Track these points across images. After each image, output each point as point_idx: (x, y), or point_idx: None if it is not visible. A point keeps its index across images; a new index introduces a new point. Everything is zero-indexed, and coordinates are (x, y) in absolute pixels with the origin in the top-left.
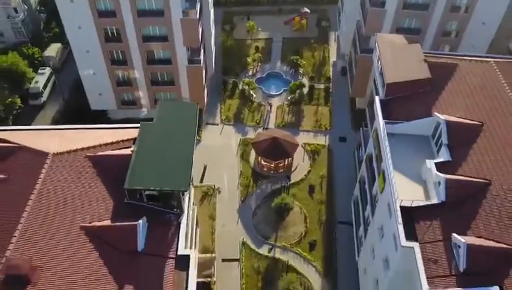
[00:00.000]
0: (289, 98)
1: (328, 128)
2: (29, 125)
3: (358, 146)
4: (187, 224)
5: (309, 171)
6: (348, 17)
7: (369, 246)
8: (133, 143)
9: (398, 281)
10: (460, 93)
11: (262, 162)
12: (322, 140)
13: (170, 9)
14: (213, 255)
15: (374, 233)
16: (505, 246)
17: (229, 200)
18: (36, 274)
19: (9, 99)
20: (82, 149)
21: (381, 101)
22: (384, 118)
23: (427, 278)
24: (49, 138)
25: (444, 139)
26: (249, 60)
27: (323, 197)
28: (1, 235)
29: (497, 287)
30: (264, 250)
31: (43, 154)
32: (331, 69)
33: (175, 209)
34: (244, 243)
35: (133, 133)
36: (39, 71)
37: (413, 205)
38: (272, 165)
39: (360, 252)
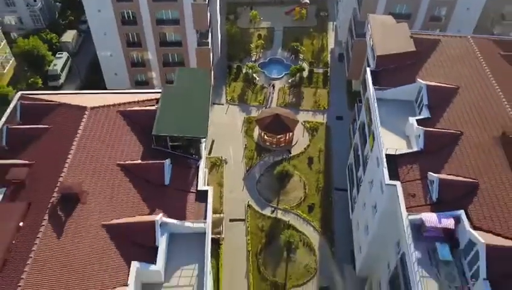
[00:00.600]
0: (290, 81)
1: (326, 108)
2: None
3: (353, 121)
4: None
5: (308, 146)
6: (345, 6)
7: (361, 201)
8: (156, 103)
9: (384, 222)
10: (441, 63)
11: (265, 136)
12: (321, 118)
13: None
14: (221, 215)
15: (365, 188)
16: (470, 180)
17: (235, 170)
18: (84, 196)
19: (31, 79)
20: (114, 105)
21: (372, 71)
22: (374, 85)
23: (406, 208)
24: (83, 99)
25: (425, 101)
26: (252, 46)
27: (321, 167)
28: (54, 168)
29: (463, 210)
30: (267, 211)
31: (81, 108)
32: (329, 55)
33: (194, 156)
34: (249, 206)
35: (155, 96)
36: (57, 55)
37: (396, 153)
38: (274, 140)
39: (354, 209)
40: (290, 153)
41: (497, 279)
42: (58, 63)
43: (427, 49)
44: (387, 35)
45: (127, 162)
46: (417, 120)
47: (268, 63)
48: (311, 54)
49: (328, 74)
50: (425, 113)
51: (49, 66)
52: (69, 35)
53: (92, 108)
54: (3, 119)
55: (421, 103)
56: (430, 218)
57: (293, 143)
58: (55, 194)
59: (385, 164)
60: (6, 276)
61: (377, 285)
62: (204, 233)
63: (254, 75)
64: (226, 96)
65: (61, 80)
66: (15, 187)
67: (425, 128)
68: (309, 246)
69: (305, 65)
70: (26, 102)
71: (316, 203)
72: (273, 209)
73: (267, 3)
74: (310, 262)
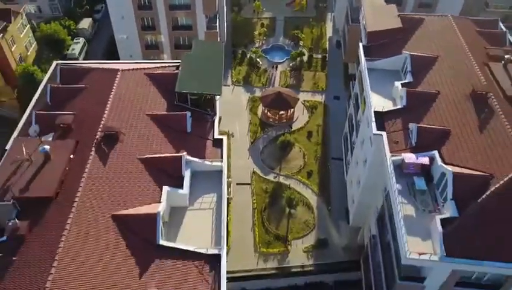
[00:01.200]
0: (291, 64)
1: (324, 89)
2: None
3: (348, 98)
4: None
5: (307, 122)
6: None
7: (354, 161)
8: (176, 69)
9: (373, 171)
10: (424, 38)
11: (268, 113)
12: (319, 98)
13: None
14: (230, 179)
15: (358, 148)
16: (443, 127)
17: (241, 142)
18: (122, 135)
19: (53, 61)
20: (141, 69)
21: (364, 46)
22: (365, 57)
23: (390, 151)
24: (112, 65)
25: (408, 68)
26: (256, 34)
27: (319, 140)
28: (94, 116)
29: (436, 151)
30: (270, 177)
31: (114, 70)
32: (327, 42)
33: (210, 112)
34: (254, 172)
35: (174, 64)
36: (74, 40)
37: (383, 110)
38: (276, 116)
39: (348, 171)
40: (291, 128)
41: (461, 199)
42: (76, 47)
43: (412, 26)
44: (378, 15)
45: (154, 112)
46: (401, 83)
47: (271, 49)
48: (310, 42)
49: (327, 59)
50: (408, 78)
51: (67, 49)
52: (86, 23)
53: (123, 70)
54: (44, 82)
55: (406, 70)
56: (409, 156)
57: (294, 119)
58: (98, 134)
59: (373, 118)
60: (66, 192)
61: (367, 231)
62: (221, 171)
63: (258, 59)
64: (232, 78)
65: None
66: (62, 131)
67: (407, 89)
68: (308, 206)
69: (305, 51)
70: (64, 66)
71: (314, 170)
72: (275, 175)
73: None
74: (308, 219)
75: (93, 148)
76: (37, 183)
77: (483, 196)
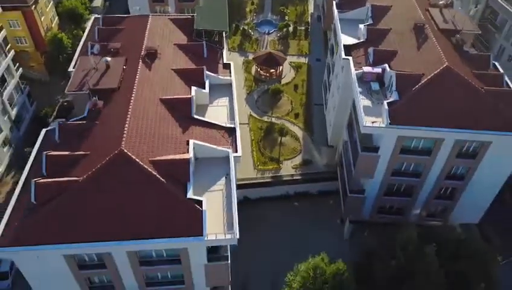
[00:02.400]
0: (278, 34)
1: (308, 53)
2: None
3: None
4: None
5: (294, 78)
6: None
7: (330, 95)
8: (191, 17)
9: (344, 92)
10: None
11: (261, 71)
12: (303, 60)
13: None
14: None
15: (333, 82)
16: (392, 49)
17: (238, 94)
18: (159, 53)
19: (75, 31)
20: (164, 15)
21: (336, 3)
22: (337, 9)
23: (355, 68)
24: None
25: (369, 14)
26: (247, 10)
27: (304, 91)
28: (136, 42)
29: (387, 64)
30: (264, 118)
31: (145, 16)
32: (309, 17)
33: (219, 46)
34: (250, 115)
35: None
36: (91, 15)
37: (350, 44)
38: (268, 73)
39: (327, 105)
40: (280, 83)
41: (401, 90)
42: None
43: None
44: None
45: (180, 43)
46: (364, 25)
47: (261, 23)
48: (294, 16)
49: (309, 30)
50: (369, 21)
51: (85, 23)
52: (98, 1)
53: (153, 17)
54: (88, 27)
55: (367, 16)
56: (367, 69)
57: (282, 76)
58: (143, 52)
59: (342, 48)
60: (125, 85)
61: (341, 146)
62: (231, 84)
63: (250, 30)
64: (228, 46)
65: None
66: (113, 54)
67: (366, 28)
68: (295, 138)
69: (290, 24)
70: (105, 15)
71: (300, 113)
72: (268, 117)
73: None
74: (296, 146)
75: (140, 61)
76: (104, 80)
77: (416, 86)
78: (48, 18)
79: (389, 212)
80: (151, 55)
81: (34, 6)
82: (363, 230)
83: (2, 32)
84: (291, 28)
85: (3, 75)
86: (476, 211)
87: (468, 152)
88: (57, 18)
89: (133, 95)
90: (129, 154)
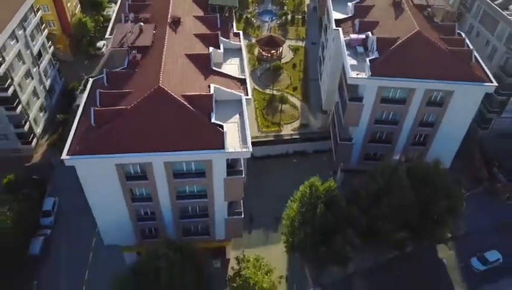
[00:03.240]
0: (278, 22)
1: (305, 37)
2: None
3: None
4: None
5: (292, 58)
6: None
7: (324, 67)
8: None
9: (335, 60)
10: None
11: (263, 52)
12: (301, 44)
13: None
14: None
15: (326, 55)
16: (374, 20)
17: None
18: (182, 21)
19: (96, 17)
20: None
21: None
22: None
23: (344, 37)
24: None
25: None
26: (249, 1)
27: (301, 69)
28: (162, 11)
29: (370, 32)
30: (266, 91)
31: None
32: (306, 7)
33: (230, 19)
34: (254, 88)
35: None
36: (109, 4)
37: (340, 18)
38: (269, 54)
39: (321, 76)
40: (280, 62)
41: (380, 50)
42: (112, 9)
43: None
44: None
45: (197, 15)
46: (352, 3)
47: (262, 12)
48: (292, 7)
49: (306, 18)
50: (357, 0)
51: (103, 11)
52: None
53: None
54: (119, 2)
55: None
56: (354, 35)
57: (282, 56)
58: (169, 19)
59: (333, 21)
60: (157, 44)
61: (333, 108)
62: (240, 48)
63: (252, 18)
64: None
65: None
66: (144, 22)
67: (355, 4)
68: (294, 106)
69: (289, 12)
70: None
71: (298, 86)
72: (270, 89)
73: None
74: (294, 113)
75: (167, 26)
76: (139, 40)
77: (392, 47)
78: (72, 4)
79: (374, 158)
80: (176, 23)
81: None
82: (353, 178)
83: (39, 13)
84: (289, 17)
85: (39, 50)
86: (447, 156)
87: (436, 101)
88: (79, 5)
89: (164, 50)
90: (166, 89)
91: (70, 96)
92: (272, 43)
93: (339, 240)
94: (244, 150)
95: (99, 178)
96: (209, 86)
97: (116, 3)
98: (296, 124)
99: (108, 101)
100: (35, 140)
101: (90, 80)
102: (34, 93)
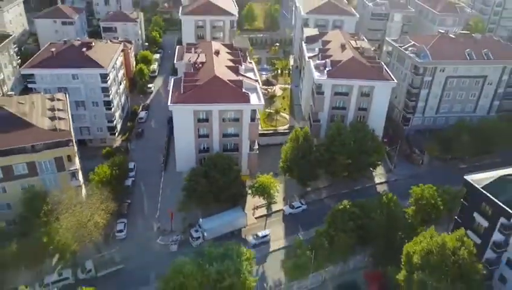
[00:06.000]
0: (272, 74)
1: (290, 83)
2: None
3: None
4: None
5: (282, 94)
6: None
7: (302, 89)
8: None
9: (309, 82)
10: (329, 37)
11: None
12: (287, 86)
13: None
14: None
15: (303, 81)
16: (330, 54)
17: None
18: (220, 54)
19: (146, 66)
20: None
21: (304, 40)
22: (305, 42)
23: (313, 63)
24: None
25: (320, 43)
26: None
27: (288, 99)
28: (208, 52)
29: (328, 59)
30: (265, 110)
31: (210, 41)
32: (290, 67)
33: (245, 54)
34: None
35: None
36: (154, 62)
37: (311, 55)
38: (266, 91)
39: (302, 95)
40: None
41: (332, 66)
42: (155, 65)
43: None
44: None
45: (227, 51)
46: (317, 48)
47: (260, 70)
48: (281, 66)
49: (290, 72)
50: (320, 46)
51: (151, 65)
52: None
53: (212, 41)
54: (177, 49)
55: (319, 44)
56: (318, 61)
57: (276, 93)
58: (213, 50)
59: (307, 56)
60: (208, 63)
61: (308, 110)
62: (253, 68)
63: None
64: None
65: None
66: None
67: (319, 47)
68: (284, 118)
69: (279, 69)
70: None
71: (287, 108)
72: (268, 110)
73: (259, 48)
74: (284, 121)
75: (213, 54)
76: (198, 59)
77: (338, 64)
78: (132, 59)
79: None
80: (217, 53)
81: (129, 48)
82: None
83: (120, 58)
84: (279, 72)
85: (120, 79)
86: (378, 129)
87: (366, 93)
88: (135, 60)
89: (214, 62)
90: (219, 76)
91: (133, 113)
92: (268, 83)
93: (312, 160)
94: (260, 104)
95: (183, 118)
96: (240, 79)
97: (157, 61)
98: (286, 126)
99: (188, 83)
100: (116, 134)
101: (171, 79)
102: (118, 106)
